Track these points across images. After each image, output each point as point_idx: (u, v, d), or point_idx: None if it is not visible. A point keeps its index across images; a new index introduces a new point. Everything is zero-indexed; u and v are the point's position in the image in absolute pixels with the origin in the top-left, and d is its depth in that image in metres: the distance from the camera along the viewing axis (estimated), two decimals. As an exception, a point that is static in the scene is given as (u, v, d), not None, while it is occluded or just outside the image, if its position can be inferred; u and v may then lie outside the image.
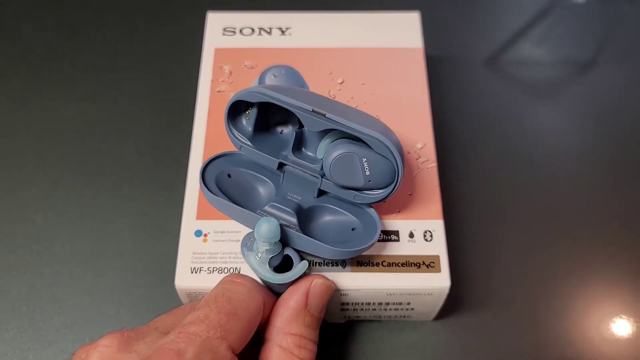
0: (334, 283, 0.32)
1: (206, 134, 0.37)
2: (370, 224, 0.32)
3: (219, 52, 0.41)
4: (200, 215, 0.34)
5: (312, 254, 0.32)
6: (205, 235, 0.34)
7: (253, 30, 0.42)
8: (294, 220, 0.32)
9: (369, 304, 0.34)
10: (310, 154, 0.34)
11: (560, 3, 0.52)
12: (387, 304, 0.34)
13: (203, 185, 0.32)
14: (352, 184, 0.31)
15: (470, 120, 0.46)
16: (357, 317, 0.36)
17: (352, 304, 0.34)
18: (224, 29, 0.42)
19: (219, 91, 0.39)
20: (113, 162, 0.43)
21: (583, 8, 0.52)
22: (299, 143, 0.34)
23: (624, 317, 0.38)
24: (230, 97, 0.37)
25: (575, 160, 0.44)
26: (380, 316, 0.36)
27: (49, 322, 0.38)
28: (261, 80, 0.39)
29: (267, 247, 0.30)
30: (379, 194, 0.32)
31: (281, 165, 0.33)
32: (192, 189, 0.35)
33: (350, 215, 0.33)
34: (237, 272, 0.33)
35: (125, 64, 0.48)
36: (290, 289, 0.31)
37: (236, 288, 0.29)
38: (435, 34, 0.49)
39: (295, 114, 0.31)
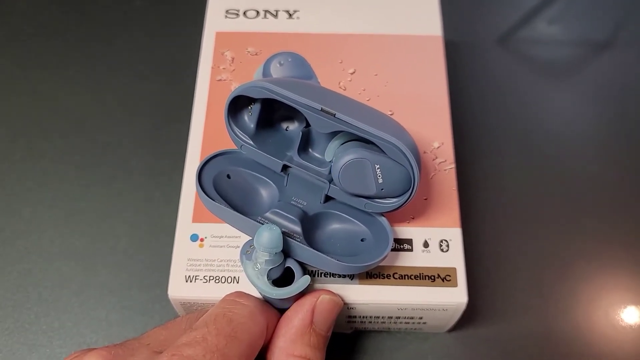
0: (342, 299, 0.29)
1: (205, 127, 0.34)
2: (382, 235, 0.29)
3: (221, 37, 0.37)
4: (197, 218, 0.32)
5: (317, 267, 0.29)
6: (202, 240, 0.31)
7: (258, 12, 0.38)
8: (297, 229, 0.29)
9: (378, 317, 0.32)
10: (317, 155, 0.31)
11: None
12: (398, 317, 0.32)
13: (199, 188, 0.30)
14: (363, 192, 0.29)
15: (484, 110, 0.43)
16: (365, 328, 0.34)
17: (360, 317, 0.32)
18: (227, 11, 0.38)
19: (220, 80, 0.36)
20: (106, 154, 0.41)
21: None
22: (306, 143, 0.31)
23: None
24: (231, 87, 0.35)
25: (594, 150, 0.42)
26: (389, 328, 0.34)
27: (36, 325, 0.35)
28: (265, 68, 0.36)
29: (267, 258, 0.27)
30: (392, 202, 0.29)
31: (285, 167, 0.30)
32: (189, 188, 0.33)
33: (360, 224, 0.30)
34: (235, 281, 0.30)
35: (121, 47, 0.45)
36: (295, 305, 0.28)
37: (238, 309, 0.27)
38: (446, 17, 0.46)
39: (302, 112, 0.28)
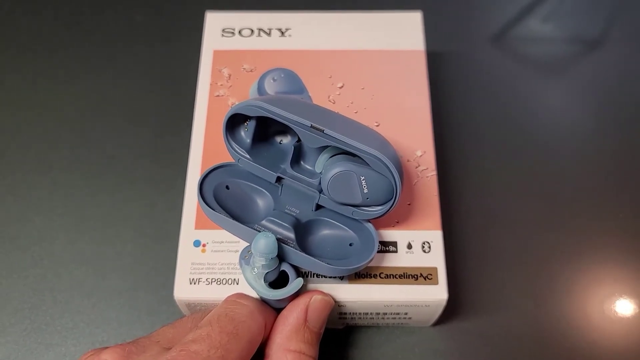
0: (333, 298, 0.32)
1: (205, 141, 0.37)
2: (368, 240, 0.32)
3: (218, 54, 0.40)
4: (199, 225, 0.35)
5: (309, 270, 0.32)
6: (204, 245, 0.34)
7: (252, 31, 0.41)
8: (291, 235, 0.32)
9: (367, 313, 0.34)
10: (308, 167, 0.34)
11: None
12: (385, 313, 0.34)
13: (201, 199, 0.32)
14: (350, 201, 0.31)
15: (474, 110, 0.46)
16: (355, 324, 0.37)
17: (350, 313, 0.34)
18: (223, 30, 0.41)
19: (218, 95, 0.38)
20: (112, 164, 0.43)
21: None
22: (298, 156, 0.33)
23: (630, 315, 0.38)
24: (228, 102, 0.38)
25: (580, 142, 0.44)
26: (378, 323, 0.36)
27: (51, 326, 0.38)
28: (260, 84, 0.39)
29: (263, 262, 0.30)
30: (376, 210, 0.32)
31: (279, 179, 0.33)
32: (191, 198, 0.35)
33: (349, 230, 0.33)
34: (235, 283, 0.33)
35: (124, 61, 0.48)
36: (290, 305, 0.31)
37: (239, 309, 0.30)
38: (440, 22, 0.48)
39: (294, 129, 0.31)
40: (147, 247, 0.40)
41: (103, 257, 0.40)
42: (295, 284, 0.31)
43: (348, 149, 0.30)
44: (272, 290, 0.30)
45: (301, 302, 0.31)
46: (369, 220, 0.33)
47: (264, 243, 0.30)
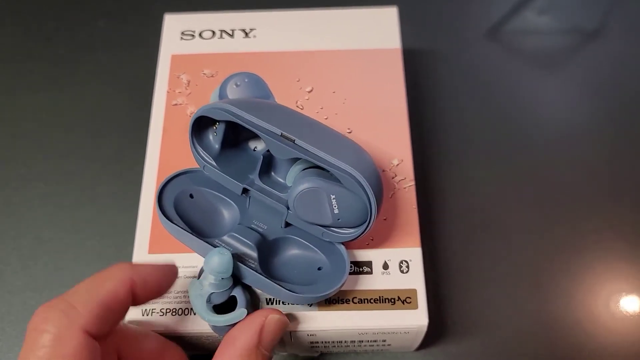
0: (287, 318, 0.29)
1: (161, 154, 0.34)
2: (339, 265, 0.29)
3: (176, 59, 0.37)
4: (153, 249, 0.31)
5: (270, 295, 0.28)
6: (159, 271, 0.31)
7: (214, 32, 0.38)
8: (253, 254, 0.28)
9: (341, 342, 0.31)
10: (279, 179, 0.30)
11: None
12: (361, 341, 0.31)
13: (159, 209, 0.29)
14: (319, 221, 0.28)
15: (460, 115, 0.43)
16: (330, 352, 0.33)
17: (323, 342, 0.31)
18: (182, 33, 0.38)
19: (175, 104, 0.35)
20: (71, 181, 0.40)
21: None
22: (268, 167, 0.30)
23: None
24: (187, 111, 0.34)
25: (578, 138, 0.42)
26: (355, 350, 0.33)
27: (1, 362, 0.35)
28: (222, 90, 0.35)
29: (212, 282, 0.27)
30: (348, 233, 0.28)
31: (246, 190, 0.30)
32: (144, 219, 0.32)
33: (318, 251, 0.29)
34: (192, 313, 0.29)
35: (85, 71, 0.45)
36: (241, 325, 0.27)
37: (40, 340, 0.24)
38: (425, 17, 0.46)
39: (262, 138, 0.27)
40: (105, 271, 0.37)
41: (59, 285, 0.37)
42: (236, 314, 0.27)
43: (319, 163, 0.27)
44: (210, 313, 0.27)
45: (256, 322, 0.27)
46: (341, 242, 0.29)
47: (218, 261, 0.27)
